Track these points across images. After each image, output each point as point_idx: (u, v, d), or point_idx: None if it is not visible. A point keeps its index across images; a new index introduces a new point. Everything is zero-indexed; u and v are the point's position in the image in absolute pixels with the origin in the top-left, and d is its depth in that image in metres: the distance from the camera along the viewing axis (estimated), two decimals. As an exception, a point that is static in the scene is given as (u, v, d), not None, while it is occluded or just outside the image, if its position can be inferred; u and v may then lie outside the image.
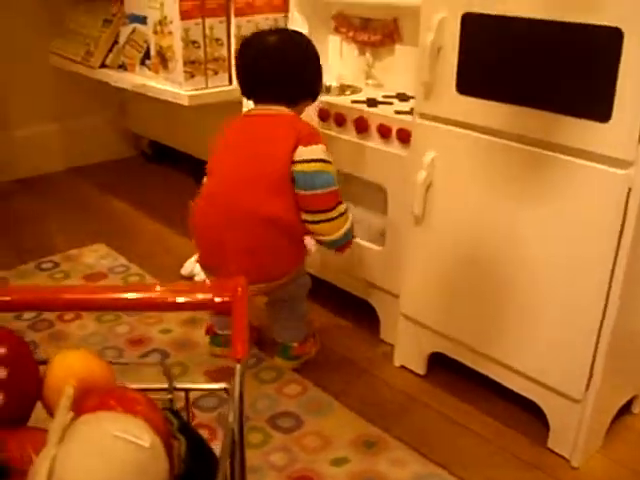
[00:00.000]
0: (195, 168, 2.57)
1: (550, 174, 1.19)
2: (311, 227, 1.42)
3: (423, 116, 1.36)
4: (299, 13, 1.88)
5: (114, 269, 1.96)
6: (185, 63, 1.85)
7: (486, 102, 1.25)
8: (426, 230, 1.41)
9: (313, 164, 1.39)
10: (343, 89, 1.82)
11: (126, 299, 0.77)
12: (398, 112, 1.53)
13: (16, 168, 2.57)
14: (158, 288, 0.80)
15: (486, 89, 1.25)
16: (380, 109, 1.56)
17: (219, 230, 1.41)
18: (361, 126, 1.55)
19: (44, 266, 1.97)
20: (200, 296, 0.78)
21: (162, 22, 1.87)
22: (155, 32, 1.91)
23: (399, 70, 1.77)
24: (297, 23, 1.88)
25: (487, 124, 1.26)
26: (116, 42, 2.16)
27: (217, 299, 0.77)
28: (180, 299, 0.79)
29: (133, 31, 2.04)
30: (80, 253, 2.04)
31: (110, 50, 2.18)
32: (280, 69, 1.44)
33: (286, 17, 1.97)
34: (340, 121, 1.59)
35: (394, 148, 1.49)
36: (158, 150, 2.78)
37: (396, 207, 1.52)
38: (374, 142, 1.53)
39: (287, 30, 1.57)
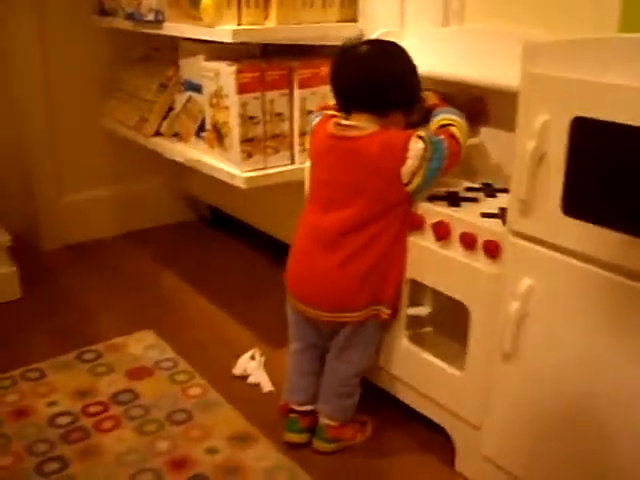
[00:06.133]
0: (257, 241, 2.40)
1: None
2: None
3: (518, 235, 1.13)
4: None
5: (160, 364, 1.77)
6: (242, 141, 1.66)
7: (599, 229, 1.00)
8: (516, 368, 1.18)
9: (418, 175, 1.33)
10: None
11: None
12: (485, 215, 1.30)
13: (67, 234, 2.43)
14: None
15: (600, 213, 1.00)
16: (463, 210, 1.33)
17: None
18: (441, 232, 1.32)
19: (86, 357, 1.80)
20: None
21: (217, 94, 1.69)
22: (211, 104, 1.73)
23: (486, 155, 1.55)
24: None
25: (599, 255, 1.02)
26: (172, 108, 1.99)
27: None
28: None
29: (189, 99, 1.87)
30: (125, 342, 1.86)
31: (165, 117, 2.01)
32: (367, 77, 1.37)
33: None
34: (417, 224, 1.36)
35: (480, 262, 1.26)
36: (218, 215, 2.59)
37: (480, 331, 1.28)
38: (456, 252, 1.30)
39: (380, 41, 1.47)
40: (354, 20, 1.75)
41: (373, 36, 1.64)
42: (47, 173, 2.35)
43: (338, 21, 1.75)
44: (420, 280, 1.40)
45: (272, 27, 1.64)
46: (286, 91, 1.69)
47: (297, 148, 1.73)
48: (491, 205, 1.35)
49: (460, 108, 1.55)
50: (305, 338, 1.48)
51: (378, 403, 1.58)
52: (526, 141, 1.06)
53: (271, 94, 1.67)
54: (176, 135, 1.98)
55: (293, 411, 1.50)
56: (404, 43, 1.63)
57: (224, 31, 1.58)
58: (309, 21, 1.70)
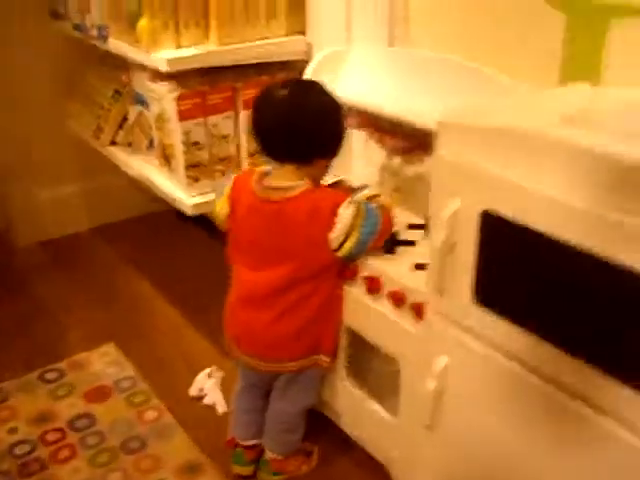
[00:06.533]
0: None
1: (571, 425, 0.93)
2: None
3: (436, 312, 1.11)
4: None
5: (119, 383, 1.79)
6: (187, 167, 1.62)
7: (507, 323, 0.98)
8: (438, 437, 1.17)
9: (349, 241, 1.27)
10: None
11: None
12: (418, 266, 1.27)
13: (41, 231, 2.42)
14: None
15: (508, 308, 0.98)
16: (397, 260, 1.31)
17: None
18: (372, 286, 1.30)
19: (48, 376, 1.82)
20: None
21: (161, 117, 1.65)
22: (157, 126, 1.69)
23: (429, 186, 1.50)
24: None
25: (507, 347, 1.00)
26: (126, 118, 1.95)
27: None
28: None
29: (140, 114, 1.83)
30: (88, 358, 1.88)
31: (121, 125, 1.97)
32: (287, 127, 1.28)
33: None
34: (350, 274, 1.34)
35: (408, 323, 1.24)
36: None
37: (410, 387, 1.27)
38: (386, 308, 1.28)
39: (301, 83, 1.40)
40: (302, 32, 1.68)
41: (318, 57, 1.58)
42: (18, 172, 2.33)
43: (285, 34, 1.67)
44: (355, 329, 1.38)
45: (211, 51, 1.57)
46: (230, 113, 1.64)
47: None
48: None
49: (405, 135, 1.50)
50: (248, 378, 1.49)
51: (325, 427, 1.58)
52: (438, 232, 1.01)
53: (214, 118, 1.62)
54: (131, 145, 1.94)
55: (239, 445, 1.52)
56: (349, 63, 1.58)
57: (159, 60, 1.52)
58: (253, 38, 1.62)
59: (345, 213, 1.26)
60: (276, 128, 1.29)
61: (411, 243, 1.37)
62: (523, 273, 0.94)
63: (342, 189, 1.44)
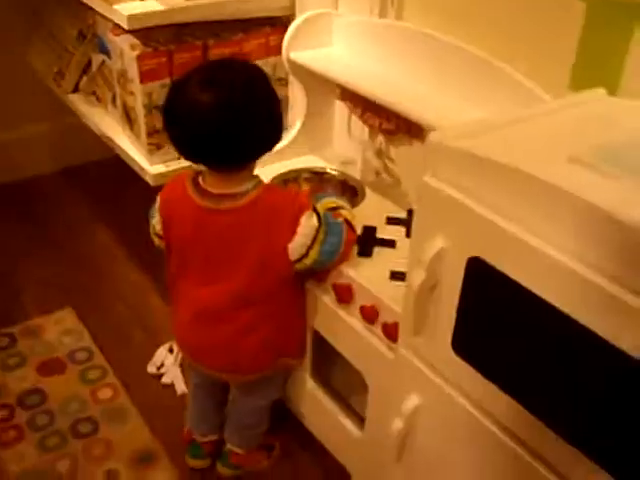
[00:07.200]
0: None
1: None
2: None
3: (409, 347, 0.99)
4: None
5: (75, 355, 1.68)
6: (149, 133, 1.46)
7: (482, 378, 0.87)
8: (402, 467, 1.08)
9: (309, 257, 1.12)
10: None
11: None
12: (395, 275, 1.14)
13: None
14: None
15: (489, 366, 0.86)
16: (372, 265, 1.18)
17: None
18: (342, 295, 1.17)
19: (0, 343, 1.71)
20: None
21: (123, 75, 1.47)
22: (118, 82, 1.52)
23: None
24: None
25: (482, 401, 0.89)
26: (91, 63, 1.76)
27: None
28: None
29: (103, 62, 1.65)
30: (43, 324, 1.76)
31: (85, 71, 1.78)
32: (224, 138, 1.08)
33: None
34: (319, 277, 1.21)
35: (379, 342, 1.12)
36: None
37: (377, 406, 1.17)
38: (356, 322, 1.16)
39: (223, 75, 1.09)
40: (286, -14, 1.49)
41: (299, 20, 1.40)
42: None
43: (266, -13, 1.49)
44: (324, 335, 1.27)
45: (179, 7, 1.39)
46: (200, 74, 1.46)
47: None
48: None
49: (389, 115, 1.35)
50: (204, 377, 1.38)
51: (287, 419, 1.49)
52: (416, 271, 0.88)
53: (182, 80, 1.44)
54: (95, 94, 1.77)
55: (196, 442, 1.43)
56: (335, 29, 1.40)
57: (119, 14, 1.34)
58: (227, -9, 1.44)
59: (307, 224, 1.10)
60: (209, 140, 1.08)
61: (391, 243, 1.24)
62: (507, 331, 0.82)
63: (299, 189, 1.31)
